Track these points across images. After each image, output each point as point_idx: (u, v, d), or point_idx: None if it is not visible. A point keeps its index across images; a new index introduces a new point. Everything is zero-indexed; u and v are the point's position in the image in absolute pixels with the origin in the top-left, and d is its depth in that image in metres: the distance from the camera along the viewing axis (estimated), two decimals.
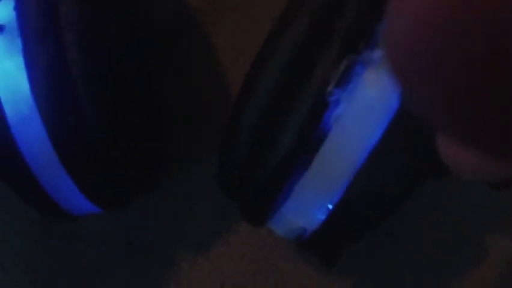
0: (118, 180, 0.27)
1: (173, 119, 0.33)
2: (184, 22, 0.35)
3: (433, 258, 0.33)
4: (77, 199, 0.26)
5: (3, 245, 0.33)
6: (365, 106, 0.21)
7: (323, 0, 0.22)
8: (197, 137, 0.34)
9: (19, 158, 0.25)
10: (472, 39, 0.09)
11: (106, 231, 0.33)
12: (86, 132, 0.25)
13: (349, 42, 0.21)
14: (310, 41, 0.22)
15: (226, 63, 0.34)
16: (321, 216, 0.23)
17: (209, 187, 0.28)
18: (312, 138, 0.22)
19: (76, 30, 0.24)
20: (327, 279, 0.32)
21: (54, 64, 0.24)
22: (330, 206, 0.23)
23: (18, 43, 0.24)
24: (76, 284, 0.33)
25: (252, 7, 0.34)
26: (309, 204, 0.23)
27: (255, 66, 0.23)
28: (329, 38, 0.21)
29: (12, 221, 0.33)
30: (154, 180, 0.32)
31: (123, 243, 0.33)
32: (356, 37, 0.21)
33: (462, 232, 0.33)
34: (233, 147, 0.24)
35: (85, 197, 0.26)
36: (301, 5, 0.23)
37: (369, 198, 0.23)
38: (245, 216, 0.26)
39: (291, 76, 0.22)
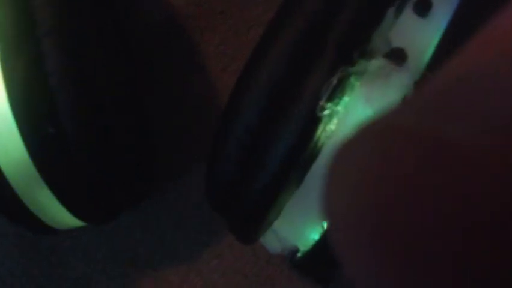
0: (102, 193, 0.26)
1: (162, 128, 0.32)
2: (172, 28, 0.33)
3: None
4: (60, 213, 0.25)
5: None
6: (359, 121, 0.20)
7: (316, 7, 0.21)
8: (187, 147, 0.33)
9: None
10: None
11: (95, 245, 0.32)
12: (67, 145, 0.23)
13: (342, 52, 0.20)
14: (301, 51, 0.21)
15: (216, 70, 0.33)
16: (315, 236, 0.22)
17: (201, 199, 0.27)
18: (303, 155, 0.20)
19: (54, 38, 0.23)
20: None
21: (32, 75, 0.23)
22: (325, 225, 0.22)
23: None
24: None
25: (241, 11, 0.33)
26: (301, 223, 0.22)
27: (243, 78, 0.22)
28: (321, 47, 0.20)
29: None
30: (143, 193, 0.31)
31: (112, 257, 0.32)
32: (349, 46, 0.20)
33: None
34: (221, 164, 0.22)
35: (67, 211, 0.25)
36: (293, 11, 0.22)
37: None
38: (234, 233, 0.25)
39: (281, 90, 0.20)
